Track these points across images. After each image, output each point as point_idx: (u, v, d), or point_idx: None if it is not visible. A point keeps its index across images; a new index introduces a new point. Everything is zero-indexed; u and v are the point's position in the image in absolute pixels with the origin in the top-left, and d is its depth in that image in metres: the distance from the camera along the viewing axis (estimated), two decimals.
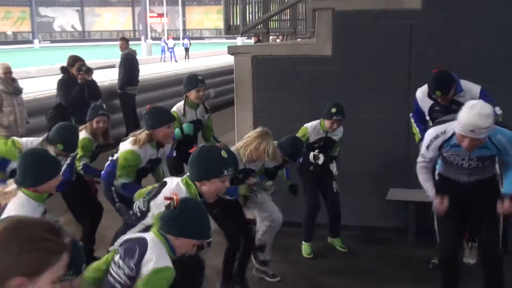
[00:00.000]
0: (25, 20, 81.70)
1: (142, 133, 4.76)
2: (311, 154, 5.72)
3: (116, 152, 4.95)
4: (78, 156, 5.25)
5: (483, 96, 4.88)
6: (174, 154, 5.75)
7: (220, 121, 8.80)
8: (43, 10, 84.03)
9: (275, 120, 6.17)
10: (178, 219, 2.93)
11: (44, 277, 1.79)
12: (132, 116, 11.60)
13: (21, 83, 8.96)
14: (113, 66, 24.39)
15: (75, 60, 8.49)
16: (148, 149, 4.77)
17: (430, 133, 4.34)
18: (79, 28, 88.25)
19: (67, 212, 5.66)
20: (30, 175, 3.49)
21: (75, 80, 8.31)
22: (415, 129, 5.49)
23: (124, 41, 11.88)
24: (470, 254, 5.53)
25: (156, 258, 2.84)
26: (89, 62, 9.62)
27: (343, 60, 6.38)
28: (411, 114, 5.53)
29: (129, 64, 11.53)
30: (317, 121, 5.75)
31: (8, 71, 8.46)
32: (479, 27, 5.99)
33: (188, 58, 38.04)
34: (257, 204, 5.14)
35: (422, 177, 4.48)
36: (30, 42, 76.09)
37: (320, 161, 5.70)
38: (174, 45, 37.77)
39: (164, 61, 35.93)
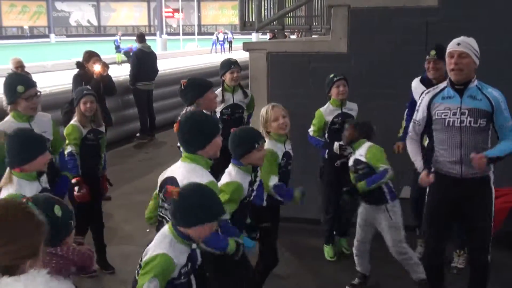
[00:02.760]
0: (41, 14, 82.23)
1: (189, 108, 4.71)
2: (336, 144, 5.54)
3: None
4: (65, 144, 5.17)
5: None
6: None
7: None
8: (59, 5, 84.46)
9: (289, 116, 6.14)
10: (182, 211, 2.91)
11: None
12: (146, 112, 11.63)
13: (37, 77, 9.01)
14: (128, 61, 24.54)
15: (91, 55, 8.54)
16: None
17: (422, 93, 4.37)
18: (95, 23, 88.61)
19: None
20: (16, 155, 3.56)
21: (91, 75, 8.36)
22: (403, 123, 5.51)
23: (138, 37, 11.96)
24: (459, 260, 5.53)
25: (153, 249, 2.89)
26: (104, 57, 9.67)
27: (359, 57, 6.36)
28: (406, 110, 5.55)
29: (137, 60, 11.54)
30: (326, 104, 5.71)
31: (19, 65, 8.53)
32: (497, 25, 5.94)
33: (231, 50, 40.97)
34: None
35: (411, 148, 4.46)
36: (46, 36, 76.59)
37: (347, 152, 5.49)
38: (224, 39, 41.29)
39: (216, 52, 39.94)
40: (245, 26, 7.47)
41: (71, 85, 8.61)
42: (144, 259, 2.89)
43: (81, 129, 5.31)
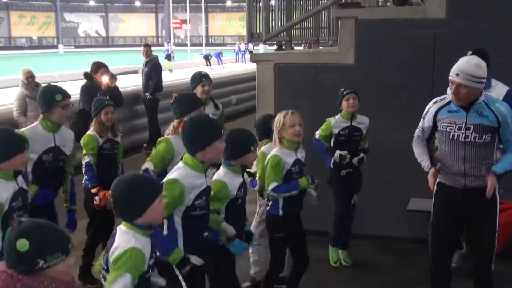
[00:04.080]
0: (50, 25, 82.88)
1: (174, 122, 4.70)
2: (337, 153, 5.59)
3: None
4: (82, 154, 5.26)
5: (507, 97, 4.87)
6: None
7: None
8: (68, 16, 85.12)
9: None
10: (121, 207, 2.87)
11: None
12: (156, 122, 11.70)
13: None
14: (136, 72, 24.63)
15: (99, 66, 8.58)
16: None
17: (430, 102, 4.34)
18: (103, 34, 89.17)
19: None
20: None
21: (99, 86, 8.39)
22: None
23: (148, 47, 11.99)
24: (458, 260, 5.50)
25: (119, 246, 2.82)
26: (112, 68, 9.71)
27: (366, 69, 6.36)
28: None
29: (159, 70, 11.70)
30: (338, 114, 5.73)
31: (30, 75, 8.59)
32: (504, 37, 5.94)
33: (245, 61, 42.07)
34: None
35: (417, 150, 4.46)
36: (55, 47, 77.04)
37: (345, 161, 5.57)
38: (245, 49, 42.29)
39: (238, 62, 42.28)
40: (252, 37, 7.48)
41: (78, 96, 8.63)
42: (111, 258, 2.81)
43: (98, 138, 5.35)
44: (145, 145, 11.65)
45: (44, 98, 4.64)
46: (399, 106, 6.29)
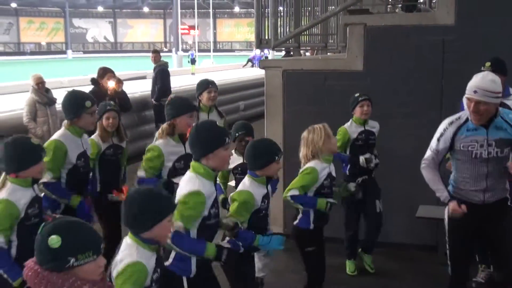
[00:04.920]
0: (59, 31, 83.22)
1: (163, 125, 4.65)
2: (361, 158, 5.54)
3: None
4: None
5: None
6: None
7: None
8: (76, 22, 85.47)
9: None
10: (131, 218, 2.86)
11: None
12: None
13: (54, 93, 9.11)
14: (144, 77, 24.67)
15: (105, 72, 8.62)
16: (170, 143, 4.53)
17: (444, 122, 4.26)
18: (112, 40, 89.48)
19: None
20: (12, 162, 3.64)
21: (105, 92, 8.42)
22: None
23: (157, 53, 12.02)
24: (481, 275, 5.47)
25: (122, 260, 2.82)
26: (120, 73, 9.75)
27: (375, 76, 6.36)
28: None
29: (165, 76, 11.69)
30: (350, 120, 5.70)
31: (40, 81, 8.63)
32: None
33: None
34: None
35: (429, 176, 4.34)
36: (64, 52, 77.37)
37: (373, 163, 5.56)
38: (260, 55, 42.09)
39: (254, 67, 41.40)
40: (261, 43, 7.49)
41: None
42: (114, 272, 2.80)
43: (100, 144, 5.33)
44: None
45: (72, 104, 4.61)
46: (407, 113, 6.28)
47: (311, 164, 4.49)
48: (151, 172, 4.57)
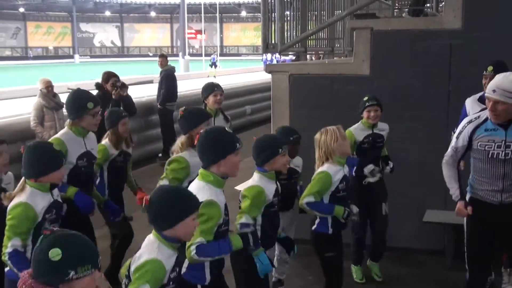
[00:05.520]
0: (66, 35, 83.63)
1: (182, 138, 4.62)
2: (366, 168, 5.42)
3: None
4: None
5: None
6: None
7: None
8: (83, 26, 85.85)
9: (311, 139, 6.13)
10: (155, 214, 2.87)
11: None
12: (170, 132, 11.71)
13: (61, 98, 9.14)
14: (151, 82, 24.74)
15: (109, 76, 8.66)
16: (194, 153, 4.31)
17: (464, 120, 4.28)
18: (119, 44, 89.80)
19: (104, 226, 5.70)
20: (33, 167, 3.65)
21: (110, 96, 8.45)
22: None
23: (164, 58, 12.04)
24: (510, 280, 5.41)
25: (141, 256, 2.83)
26: (127, 78, 9.77)
27: (381, 80, 6.34)
28: (453, 130, 5.46)
29: (170, 81, 11.70)
30: (358, 122, 5.63)
31: (49, 85, 8.66)
32: None
33: None
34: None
35: (445, 173, 4.38)
36: (71, 57, 77.69)
37: (377, 177, 5.45)
38: (271, 59, 43.19)
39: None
40: (267, 48, 7.48)
41: None
42: (133, 267, 2.83)
43: (111, 150, 5.33)
44: (159, 155, 11.69)
45: (75, 104, 4.60)
46: (414, 117, 6.26)
47: (323, 168, 4.44)
48: (175, 183, 4.55)
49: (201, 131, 3.62)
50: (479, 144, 4.15)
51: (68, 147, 4.46)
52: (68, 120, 4.66)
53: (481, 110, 4.80)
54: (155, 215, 2.88)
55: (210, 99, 5.94)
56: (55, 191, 3.78)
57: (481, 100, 5.18)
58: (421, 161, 6.27)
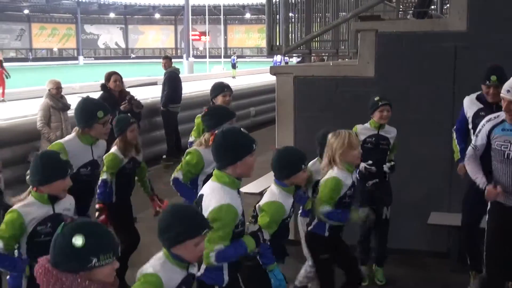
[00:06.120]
0: (70, 37, 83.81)
1: (205, 136, 4.58)
2: (362, 164, 5.33)
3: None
4: (102, 170, 5.09)
5: None
6: None
7: (260, 140, 8.79)
8: (88, 28, 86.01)
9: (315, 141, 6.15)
10: (160, 230, 2.84)
11: None
12: (174, 134, 11.72)
13: (68, 99, 9.16)
14: (155, 83, 24.73)
15: (110, 75, 8.77)
16: None
17: (484, 118, 4.32)
18: (123, 46, 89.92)
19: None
20: (36, 175, 3.63)
21: (116, 96, 8.52)
22: (456, 147, 5.44)
23: (168, 59, 12.04)
24: (474, 282, 5.43)
25: (145, 268, 2.82)
26: (131, 79, 9.81)
27: (386, 82, 6.34)
28: (453, 128, 5.47)
29: (173, 82, 11.69)
30: (366, 123, 5.57)
31: (59, 86, 8.70)
32: None
33: None
34: None
35: (470, 167, 4.41)
36: (75, 58, 77.80)
37: (372, 169, 5.40)
38: (280, 60, 43.05)
39: None
40: (272, 50, 7.49)
41: None
42: (139, 276, 2.82)
43: (122, 158, 5.30)
44: (164, 156, 11.70)
45: (85, 113, 4.52)
46: (419, 120, 6.26)
47: (333, 173, 4.37)
48: (189, 176, 4.58)
49: (217, 131, 3.59)
50: (496, 143, 4.20)
51: (70, 154, 4.26)
52: (76, 127, 4.58)
53: (481, 109, 4.84)
54: (160, 231, 2.84)
55: (219, 99, 5.93)
56: (60, 205, 3.69)
57: (479, 98, 5.20)
58: (425, 163, 6.26)
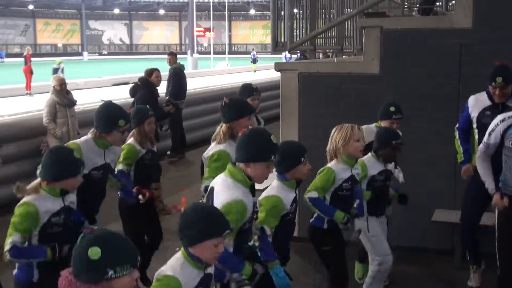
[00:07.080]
0: (75, 32, 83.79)
1: (222, 127, 4.49)
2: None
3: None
4: (117, 161, 5.01)
5: None
6: None
7: None
8: (92, 23, 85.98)
9: (320, 138, 6.11)
10: (181, 228, 2.84)
11: None
12: (179, 129, 11.73)
13: (74, 95, 9.19)
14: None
15: (152, 70, 9.46)
16: (233, 145, 4.06)
17: (497, 117, 4.34)
18: (127, 41, 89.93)
19: (114, 222, 5.71)
20: (49, 171, 3.64)
21: (155, 89, 9.33)
22: (459, 147, 5.41)
23: (173, 56, 12.05)
24: (474, 277, 5.44)
25: (163, 270, 2.82)
26: (135, 75, 9.89)
27: (391, 79, 6.34)
28: (456, 126, 5.44)
29: (177, 78, 11.70)
30: (372, 124, 5.45)
31: (63, 82, 8.72)
32: None
33: None
34: (368, 238, 4.96)
35: (481, 168, 4.47)
36: (80, 54, 77.85)
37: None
38: (290, 57, 43.40)
39: None
40: (277, 46, 7.49)
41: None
42: (154, 279, 2.81)
43: (139, 149, 5.24)
44: (168, 152, 11.71)
45: (106, 119, 4.46)
46: (424, 117, 6.26)
47: (330, 164, 4.45)
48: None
49: (249, 127, 3.58)
50: (510, 143, 4.23)
51: (83, 156, 4.18)
52: (93, 130, 4.52)
53: (486, 108, 4.84)
54: (181, 229, 2.84)
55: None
56: (68, 197, 3.72)
57: (486, 97, 5.16)
58: (430, 161, 6.26)
